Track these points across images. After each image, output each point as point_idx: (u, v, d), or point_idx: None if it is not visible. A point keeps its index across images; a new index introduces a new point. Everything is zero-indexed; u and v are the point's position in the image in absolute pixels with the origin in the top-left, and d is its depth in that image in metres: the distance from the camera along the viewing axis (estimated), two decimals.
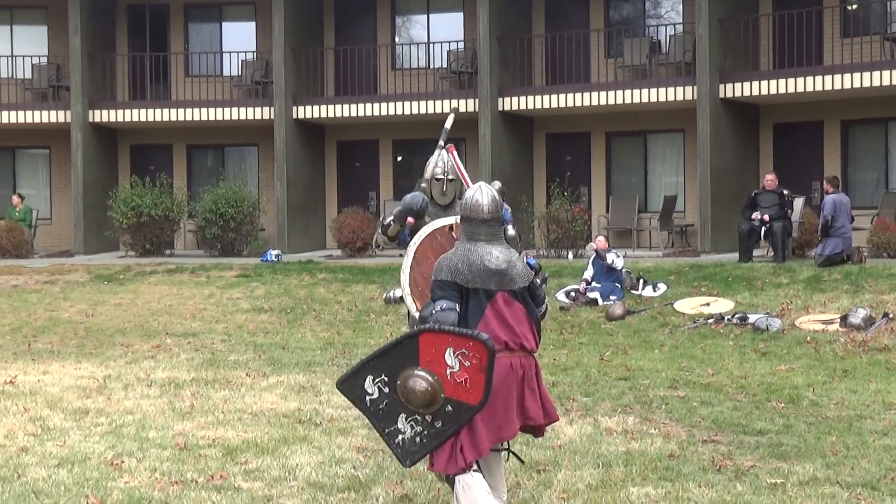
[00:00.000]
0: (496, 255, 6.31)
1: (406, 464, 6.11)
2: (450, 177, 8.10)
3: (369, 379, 6.00)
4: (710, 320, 15.48)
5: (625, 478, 7.48)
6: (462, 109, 23.99)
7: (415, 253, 7.16)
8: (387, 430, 6.01)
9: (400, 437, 6.00)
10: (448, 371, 5.83)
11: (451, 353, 5.84)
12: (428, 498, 6.86)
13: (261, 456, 8.13)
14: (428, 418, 5.91)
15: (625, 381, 11.52)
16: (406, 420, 5.96)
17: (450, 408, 5.87)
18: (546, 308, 6.63)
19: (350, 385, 6.08)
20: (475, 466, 6.06)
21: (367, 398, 6.01)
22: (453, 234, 7.28)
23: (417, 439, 5.98)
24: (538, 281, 6.59)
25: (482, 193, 6.46)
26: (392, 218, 8.04)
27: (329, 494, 7.13)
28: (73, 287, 20.65)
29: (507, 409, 6.14)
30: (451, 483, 6.17)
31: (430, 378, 5.84)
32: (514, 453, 6.54)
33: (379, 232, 8.21)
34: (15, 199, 26.05)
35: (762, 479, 7.42)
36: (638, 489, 7.18)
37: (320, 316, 17.37)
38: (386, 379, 5.96)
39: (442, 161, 8.21)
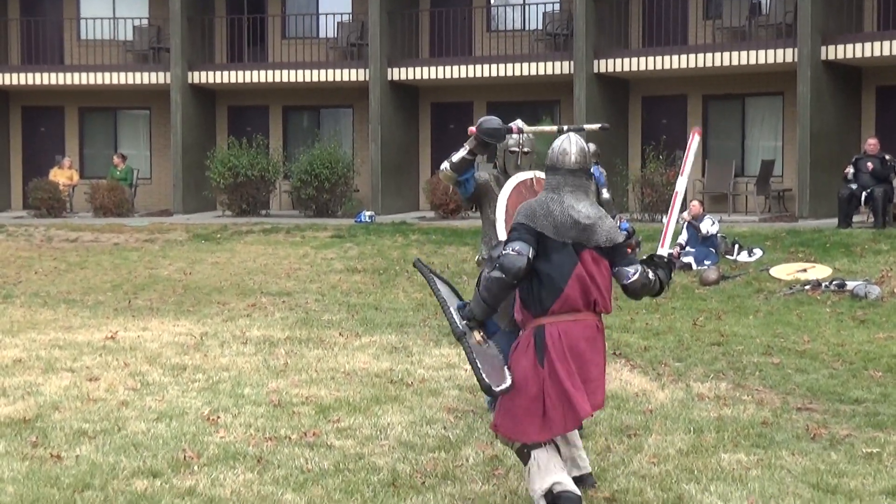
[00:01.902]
0: (580, 208, 5.98)
1: (455, 332, 6.04)
2: (525, 149, 7.83)
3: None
4: (807, 287, 15.23)
5: (716, 444, 7.42)
6: (557, 72, 23.84)
7: (506, 205, 7.04)
8: (445, 304, 6.20)
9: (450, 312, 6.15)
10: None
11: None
12: (517, 460, 6.87)
13: (353, 415, 8.22)
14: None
15: (718, 347, 11.40)
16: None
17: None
18: (638, 275, 6.08)
19: (423, 272, 6.35)
20: (550, 441, 5.99)
21: (434, 280, 6.34)
22: (535, 188, 7.15)
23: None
24: (635, 245, 6.37)
25: (570, 142, 6.15)
26: (464, 149, 7.58)
27: (419, 454, 7.18)
28: (172, 246, 20.99)
29: (588, 376, 5.94)
30: (519, 454, 6.09)
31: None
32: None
33: (446, 165, 7.78)
34: (116, 158, 26.56)
35: (857, 448, 7.31)
36: (729, 455, 7.12)
37: (413, 277, 17.42)
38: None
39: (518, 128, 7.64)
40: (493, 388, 5.65)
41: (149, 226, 23.01)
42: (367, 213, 23.22)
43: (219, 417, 8.11)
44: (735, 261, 17.14)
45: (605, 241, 5.99)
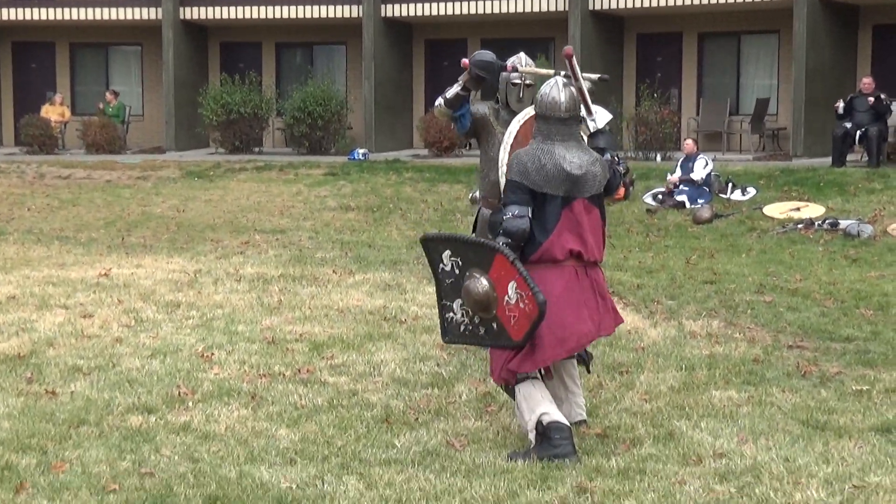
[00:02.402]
0: (571, 157, 5.95)
1: (444, 339, 6.25)
2: (527, 81, 7.55)
3: (448, 253, 6.01)
4: (800, 225, 15.26)
5: (707, 381, 7.47)
6: (552, 9, 23.67)
7: (516, 133, 6.84)
8: (444, 303, 6.10)
9: (450, 314, 6.07)
10: (505, 298, 5.76)
11: (514, 288, 5.73)
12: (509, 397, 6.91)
13: (346, 351, 8.25)
14: (476, 319, 5.94)
15: (710, 285, 11.44)
16: (460, 306, 5.99)
17: (495, 325, 5.86)
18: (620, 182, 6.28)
19: (433, 247, 6.13)
20: (535, 375, 6.01)
21: (440, 266, 6.06)
22: None
23: (461, 328, 6.04)
24: (620, 169, 6.30)
25: (559, 89, 6.05)
26: (458, 84, 7.39)
27: (413, 390, 7.23)
28: (165, 183, 20.96)
29: (578, 317, 5.94)
30: (509, 393, 6.20)
31: (490, 291, 5.79)
32: (584, 361, 6.56)
33: (440, 101, 7.58)
34: (108, 95, 26.38)
35: (847, 385, 7.36)
36: (720, 392, 7.17)
37: (406, 215, 17.44)
38: (460, 263, 5.96)
39: (520, 63, 7.47)
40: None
41: (141, 163, 22.95)
42: (361, 151, 23.16)
43: (213, 354, 8.14)
44: (728, 199, 17.16)
45: (598, 187, 6.04)
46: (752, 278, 11.85)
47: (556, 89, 6.06)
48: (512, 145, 6.79)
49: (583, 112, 6.35)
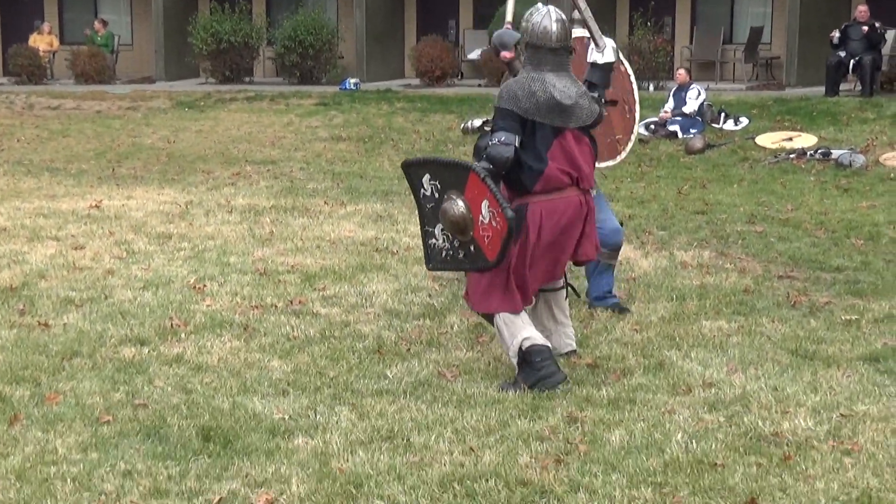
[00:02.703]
0: (561, 87, 5.93)
1: (428, 266, 6.28)
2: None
3: (427, 176, 6.00)
4: (792, 155, 15.25)
5: (698, 311, 7.50)
6: None
7: None
8: (426, 229, 6.12)
9: (433, 241, 6.09)
10: (480, 218, 5.73)
11: (486, 207, 5.69)
12: None
13: (338, 283, 8.27)
14: (455, 243, 5.94)
15: (702, 216, 11.45)
16: (441, 231, 6.00)
17: (472, 248, 5.85)
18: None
19: (413, 172, 6.12)
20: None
21: (421, 191, 6.06)
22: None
23: (443, 253, 6.04)
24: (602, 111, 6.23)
25: (550, 18, 5.93)
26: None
27: (405, 321, 7.26)
28: (155, 113, 20.85)
29: (565, 249, 6.07)
30: (487, 319, 6.19)
31: (465, 212, 5.77)
32: (572, 287, 6.54)
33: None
34: (97, 24, 26.13)
35: (837, 315, 7.40)
36: (711, 323, 7.21)
37: (398, 145, 17.39)
38: (438, 186, 5.95)
39: (550, 21, 6.32)
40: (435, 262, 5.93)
41: (131, 93, 22.80)
42: (352, 81, 23.00)
43: (205, 286, 8.16)
44: (721, 129, 17.11)
45: (587, 118, 6.03)
46: (743, 208, 11.86)
47: (547, 18, 5.93)
48: None
49: (586, 36, 6.36)
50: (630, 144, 7.51)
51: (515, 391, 5.80)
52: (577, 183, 6.01)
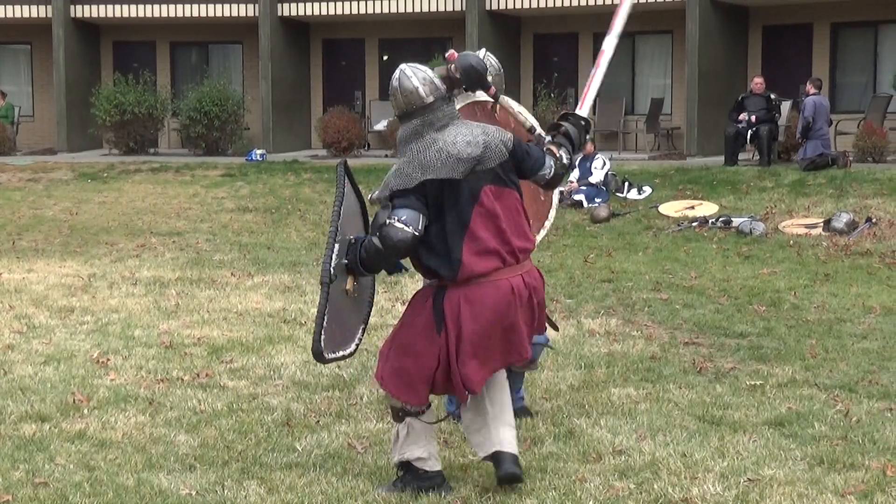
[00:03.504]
0: (463, 138, 5.05)
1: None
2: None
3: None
4: (695, 223, 15.52)
5: (606, 379, 7.54)
6: (449, 9, 23.73)
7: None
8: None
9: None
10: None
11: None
12: None
13: (246, 355, 8.18)
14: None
15: (608, 284, 11.57)
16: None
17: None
18: (552, 168, 5.31)
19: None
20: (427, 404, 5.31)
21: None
22: (497, 115, 6.06)
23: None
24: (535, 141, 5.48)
25: (407, 76, 5.15)
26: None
27: (314, 393, 7.19)
28: (57, 185, 20.55)
29: (509, 340, 5.19)
30: (394, 411, 5.32)
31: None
32: (551, 322, 5.85)
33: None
34: None
35: (742, 380, 7.49)
36: (619, 390, 7.25)
37: (305, 216, 17.35)
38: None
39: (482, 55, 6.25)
40: (324, 354, 4.95)
41: (32, 164, 22.47)
42: (258, 152, 22.98)
43: (108, 360, 8.01)
44: (625, 198, 17.39)
45: (501, 156, 5.10)
46: (648, 276, 12.02)
47: (404, 78, 5.15)
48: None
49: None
50: (544, 232, 6.64)
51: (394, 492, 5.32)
52: (506, 260, 5.08)
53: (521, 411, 6.37)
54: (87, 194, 19.49)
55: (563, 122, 5.59)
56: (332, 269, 4.98)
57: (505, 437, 5.24)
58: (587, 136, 5.61)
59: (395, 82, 5.17)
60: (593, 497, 5.29)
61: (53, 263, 12.77)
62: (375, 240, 4.99)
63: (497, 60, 6.47)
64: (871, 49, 22.41)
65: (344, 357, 5.16)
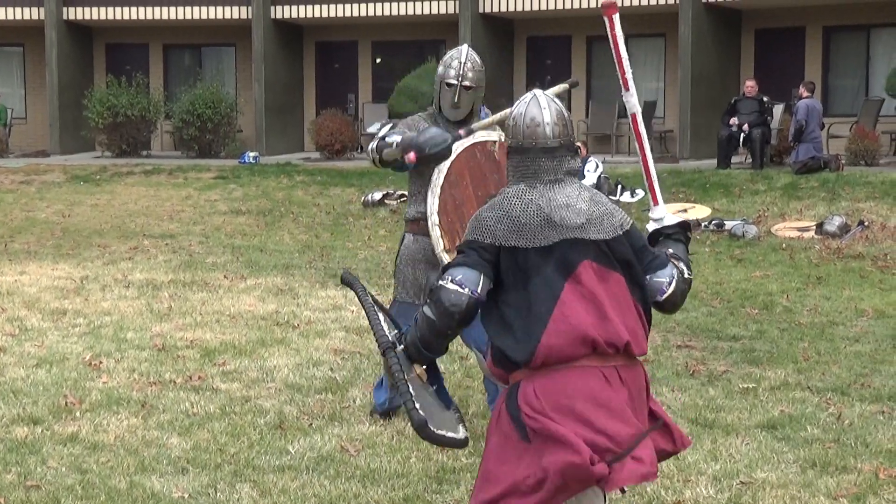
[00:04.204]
0: (564, 200, 3.93)
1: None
2: (465, 83, 6.10)
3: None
4: None
5: None
6: (442, 11, 23.75)
7: (448, 170, 5.51)
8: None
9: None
10: None
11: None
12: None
13: (238, 357, 8.17)
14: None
15: None
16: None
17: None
18: (674, 280, 4.28)
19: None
20: None
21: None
22: (496, 156, 5.53)
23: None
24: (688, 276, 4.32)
25: (539, 106, 4.03)
26: (395, 141, 5.76)
27: (307, 396, 7.18)
28: (50, 187, 20.53)
29: (611, 429, 3.76)
30: None
31: None
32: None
33: (373, 148, 5.97)
34: None
35: (734, 383, 7.50)
36: None
37: (298, 218, 17.35)
38: None
39: (459, 59, 6.14)
40: (428, 425, 3.84)
41: (24, 167, 22.46)
42: (251, 154, 22.99)
43: (101, 363, 7.99)
44: (618, 201, 17.36)
45: (611, 231, 3.97)
46: None
47: (535, 105, 4.05)
48: (443, 186, 5.59)
49: (483, 115, 5.43)
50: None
51: None
52: (598, 348, 3.82)
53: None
54: (79, 196, 19.48)
55: (670, 244, 4.46)
56: (411, 396, 3.87)
57: None
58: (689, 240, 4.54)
59: (521, 105, 4.08)
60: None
61: (46, 266, 12.75)
62: (426, 309, 3.97)
63: (478, 57, 6.35)
64: (864, 52, 22.47)
65: (462, 443, 4.05)
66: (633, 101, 4.81)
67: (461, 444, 4.03)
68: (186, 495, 5.37)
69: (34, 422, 6.56)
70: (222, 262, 13.30)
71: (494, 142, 5.62)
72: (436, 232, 5.57)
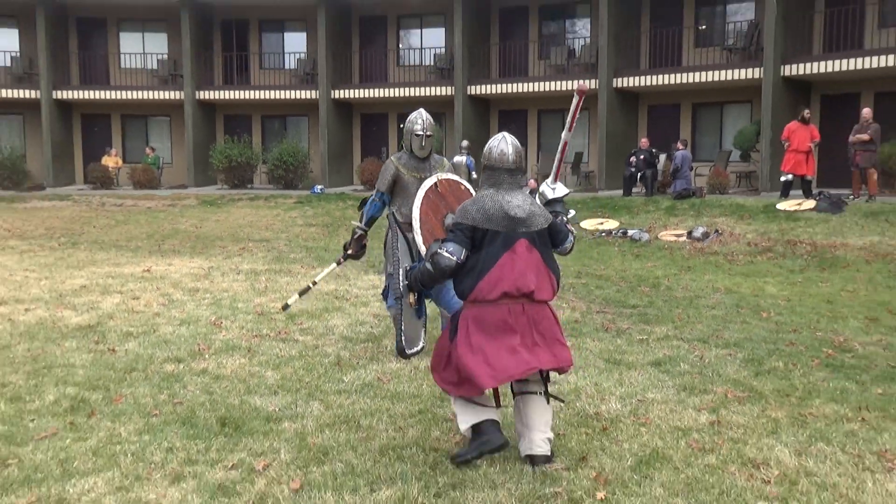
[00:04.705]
0: (517, 202, 4.36)
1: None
2: (428, 133, 6.54)
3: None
4: (603, 234, 15.54)
5: None
6: (444, 94, 23.72)
7: (419, 214, 5.71)
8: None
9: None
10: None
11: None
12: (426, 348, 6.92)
13: (311, 320, 8.18)
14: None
15: None
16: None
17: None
18: (572, 243, 4.63)
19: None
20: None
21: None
22: (439, 190, 5.82)
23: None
24: (562, 218, 4.71)
25: (507, 143, 4.46)
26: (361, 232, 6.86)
27: (355, 344, 7.19)
28: (187, 208, 20.53)
29: (509, 351, 4.20)
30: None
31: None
32: (550, 394, 4.54)
33: (362, 213, 6.59)
34: (148, 150, 25.80)
35: (634, 336, 7.51)
36: None
37: (350, 228, 17.33)
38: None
39: (422, 119, 6.52)
40: (406, 351, 4.62)
41: (171, 195, 22.45)
42: (319, 187, 22.98)
43: (221, 322, 8.01)
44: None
45: (539, 226, 4.38)
46: (573, 268, 12.03)
47: (504, 143, 4.46)
48: (422, 207, 5.71)
49: (470, 163, 5.88)
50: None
51: (467, 456, 4.35)
52: (509, 294, 4.25)
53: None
54: (206, 214, 19.47)
55: (558, 211, 4.82)
56: (401, 289, 4.49)
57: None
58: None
59: (495, 142, 4.47)
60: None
61: (185, 260, 12.76)
62: (428, 265, 4.37)
63: (431, 118, 6.61)
64: (718, 120, 22.47)
65: (417, 353, 4.60)
66: (566, 135, 4.98)
67: (419, 352, 4.61)
68: (277, 409, 5.38)
69: (178, 361, 6.59)
70: (300, 257, 13.30)
71: (436, 184, 5.90)
72: (417, 229, 5.67)
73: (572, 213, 4.74)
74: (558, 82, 22.53)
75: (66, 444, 4.75)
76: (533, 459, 4.37)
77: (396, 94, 24.43)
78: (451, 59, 24.25)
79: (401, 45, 26.20)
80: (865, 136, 15.85)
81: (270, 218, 18.91)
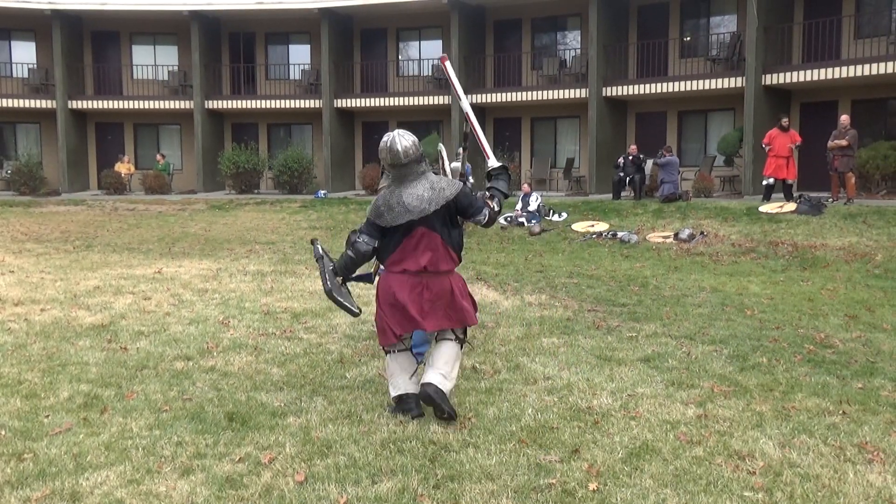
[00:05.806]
0: (418, 193, 4.72)
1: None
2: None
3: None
4: (594, 236, 15.53)
5: (539, 332, 7.53)
6: (440, 102, 23.69)
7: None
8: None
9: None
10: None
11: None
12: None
13: (315, 318, 8.15)
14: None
15: (540, 273, 11.56)
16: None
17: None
18: (487, 215, 4.90)
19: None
20: (401, 346, 5.08)
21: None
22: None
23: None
24: (468, 187, 4.93)
25: (395, 141, 4.74)
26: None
27: (357, 342, 7.17)
28: (197, 212, 20.49)
29: (410, 311, 4.85)
30: None
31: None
32: (460, 339, 5.09)
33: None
34: (159, 157, 25.77)
35: (624, 333, 7.49)
36: (547, 339, 7.24)
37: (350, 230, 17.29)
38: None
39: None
40: (332, 293, 4.81)
41: (181, 200, 22.42)
42: (322, 192, 22.98)
43: (229, 322, 7.98)
44: (551, 220, 17.39)
45: (439, 204, 4.75)
46: (565, 268, 12.02)
47: (393, 142, 4.75)
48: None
49: (467, 170, 5.86)
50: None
51: (394, 412, 5.05)
52: (407, 270, 4.84)
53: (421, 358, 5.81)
54: (215, 218, 19.44)
55: (493, 184, 5.09)
56: (328, 281, 4.89)
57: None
58: (509, 175, 5.15)
59: (387, 140, 4.76)
60: (532, 406, 5.29)
61: (194, 261, 12.73)
62: (350, 252, 4.89)
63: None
64: (703, 127, 22.49)
65: (351, 311, 4.93)
66: (465, 105, 5.37)
67: (354, 314, 4.93)
68: (282, 404, 5.36)
69: (188, 359, 6.56)
70: (304, 259, 13.27)
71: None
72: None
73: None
74: (550, 91, 22.53)
75: (80, 438, 4.72)
76: (423, 390, 4.84)
77: (396, 103, 24.42)
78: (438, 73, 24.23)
79: (400, 57, 26.18)
80: (843, 142, 15.87)
81: (276, 221, 18.87)
